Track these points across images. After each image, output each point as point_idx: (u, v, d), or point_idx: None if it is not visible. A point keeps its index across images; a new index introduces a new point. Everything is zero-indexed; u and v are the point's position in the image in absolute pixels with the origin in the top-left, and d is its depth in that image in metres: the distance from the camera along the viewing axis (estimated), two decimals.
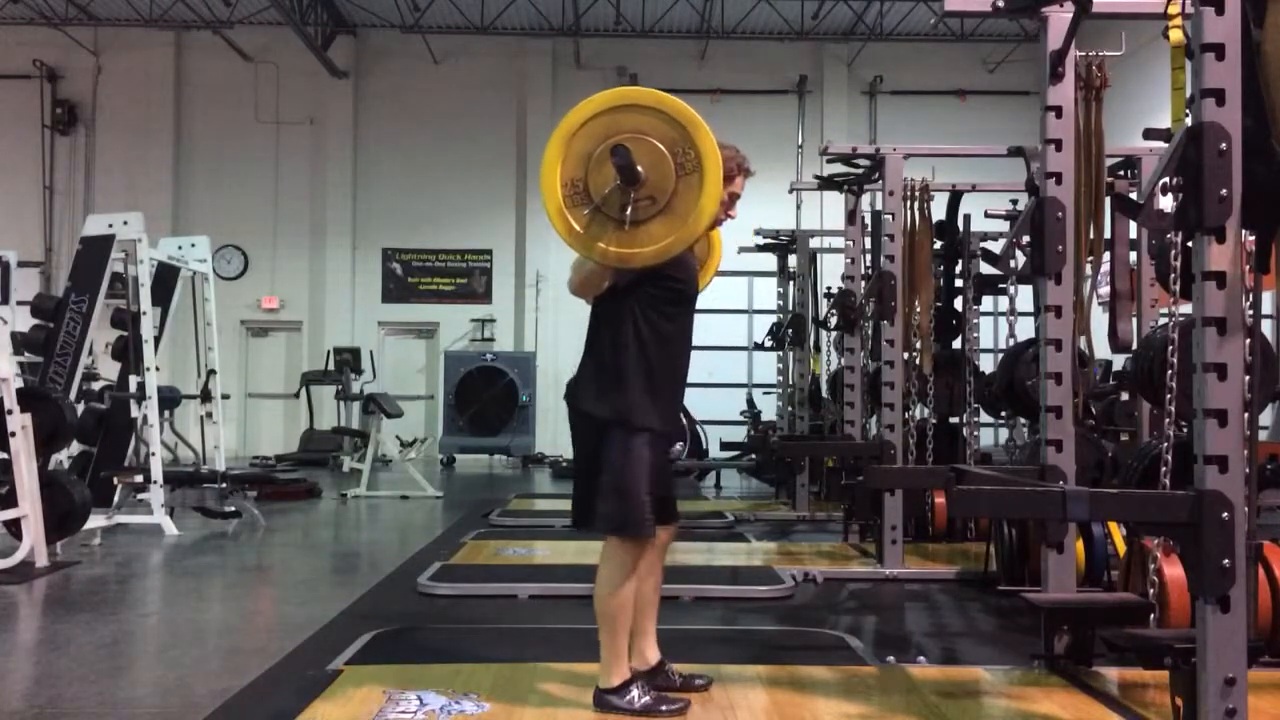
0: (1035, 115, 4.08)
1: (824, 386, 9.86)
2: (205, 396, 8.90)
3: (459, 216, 16.03)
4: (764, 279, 11.77)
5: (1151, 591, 3.60)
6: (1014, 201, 7.13)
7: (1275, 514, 7.10)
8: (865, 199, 7.38)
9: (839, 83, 16.11)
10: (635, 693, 3.18)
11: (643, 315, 3.20)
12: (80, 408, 7.44)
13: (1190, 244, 2.69)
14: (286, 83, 16.00)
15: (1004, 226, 7.67)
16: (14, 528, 5.85)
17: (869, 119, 16.12)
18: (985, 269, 7.43)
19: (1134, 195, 5.94)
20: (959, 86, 15.91)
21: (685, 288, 3.28)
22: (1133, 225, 5.87)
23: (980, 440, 7.25)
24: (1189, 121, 2.63)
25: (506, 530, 7.60)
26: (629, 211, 2.99)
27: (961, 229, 7.33)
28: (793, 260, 10.03)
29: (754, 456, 11.50)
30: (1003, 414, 7.76)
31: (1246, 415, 2.73)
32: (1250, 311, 2.97)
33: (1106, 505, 3.08)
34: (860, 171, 6.88)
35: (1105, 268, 5.44)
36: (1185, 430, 3.69)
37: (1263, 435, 8.03)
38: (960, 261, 7.47)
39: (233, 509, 8.03)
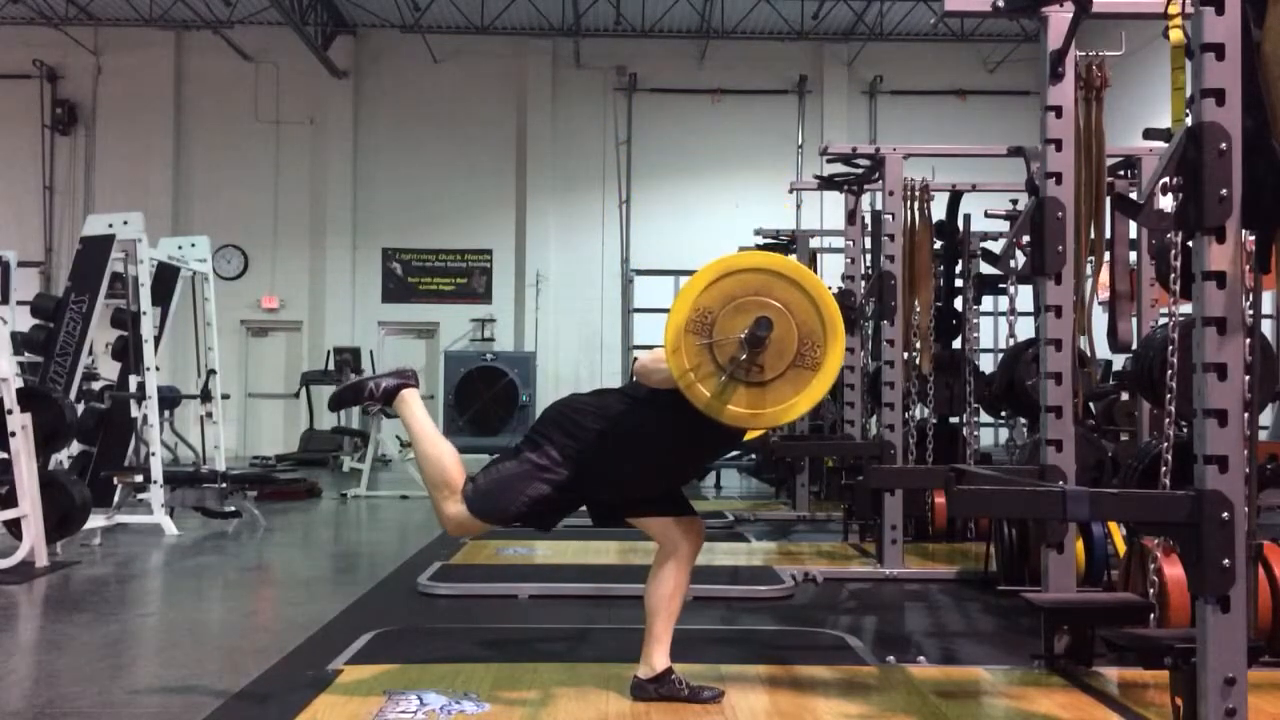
0: (1035, 115, 4.08)
1: None
2: (205, 396, 8.90)
3: (459, 216, 16.03)
4: None
5: (1151, 591, 3.60)
6: (1014, 201, 7.13)
7: (1275, 514, 7.09)
8: (865, 199, 7.38)
9: (839, 83, 16.10)
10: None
11: (670, 418, 3.17)
12: (80, 408, 7.44)
13: (1190, 244, 2.69)
14: (286, 83, 16.00)
15: (1004, 226, 7.67)
16: (14, 528, 5.85)
17: (869, 119, 16.11)
18: (985, 269, 7.44)
19: (1134, 195, 5.94)
20: (959, 86, 15.91)
21: (723, 426, 3.21)
22: (1133, 225, 5.87)
23: (980, 440, 7.25)
24: (1189, 121, 2.63)
25: (506, 530, 7.56)
26: (730, 365, 3.02)
27: (961, 229, 7.33)
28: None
29: (754, 456, 11.48)
30: (1003, 414, 7.76)
31: (1246, 415, 2.73)
32: (1250, 311, 2.97)
33: (1106, 505, 3.07)
34: (860, 171, 6.87)
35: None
36: (1185, 430, 3.70)
37: (1263, 435, 8.04)
38: (960, 261, 7.47)
39: (233, 509, 8.03)
